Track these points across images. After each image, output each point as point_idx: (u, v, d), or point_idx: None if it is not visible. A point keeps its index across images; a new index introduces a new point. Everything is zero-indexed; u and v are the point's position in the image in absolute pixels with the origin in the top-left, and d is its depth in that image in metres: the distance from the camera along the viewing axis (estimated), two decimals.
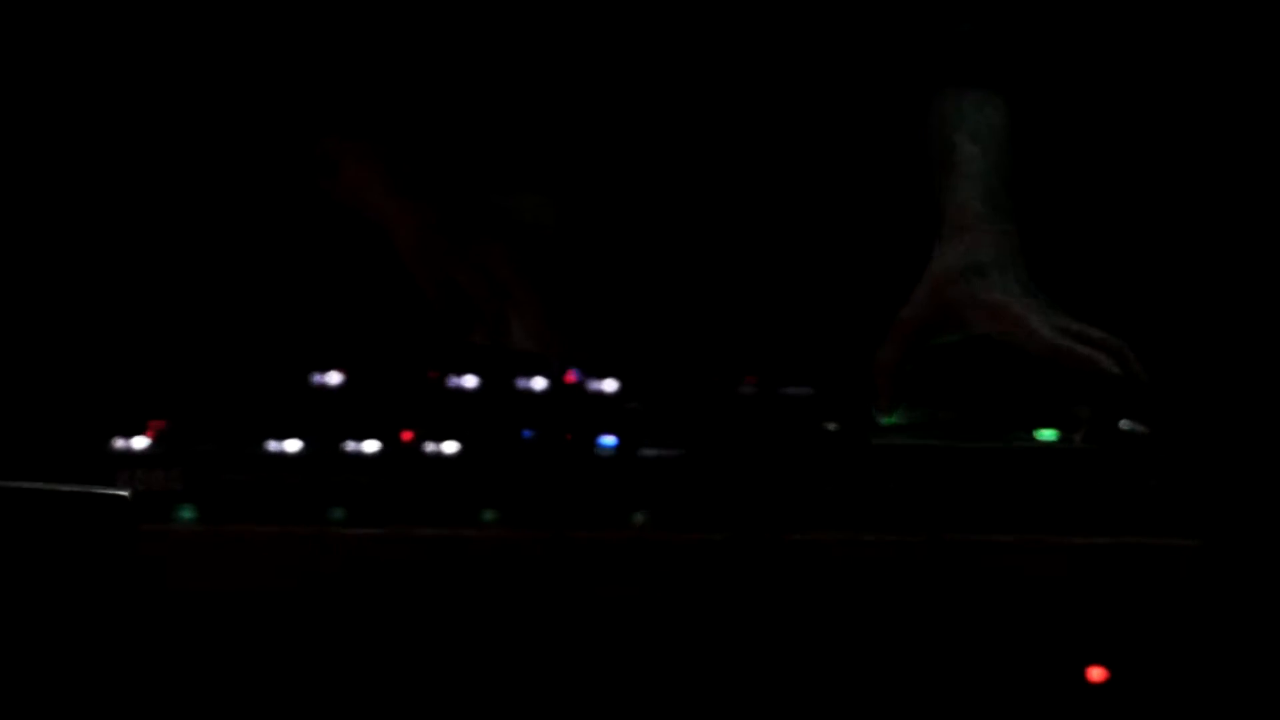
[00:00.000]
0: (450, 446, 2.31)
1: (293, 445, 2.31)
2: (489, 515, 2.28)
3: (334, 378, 2.46)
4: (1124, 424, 2.36)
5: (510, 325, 2.75)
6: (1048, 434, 2.35)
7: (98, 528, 1.51)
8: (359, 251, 2.89)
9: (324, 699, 2.40)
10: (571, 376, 2.50)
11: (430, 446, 2.31)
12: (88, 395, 2.43)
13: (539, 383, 2.48)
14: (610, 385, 2.46)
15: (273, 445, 2.31)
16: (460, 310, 2.77)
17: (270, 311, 2.84)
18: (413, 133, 2.93)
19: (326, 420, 2.36)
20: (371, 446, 2.31)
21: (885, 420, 2.48)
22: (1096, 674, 2.35)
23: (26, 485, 1.53)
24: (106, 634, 1.57)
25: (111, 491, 1.50)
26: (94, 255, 3.05)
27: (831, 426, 2.34)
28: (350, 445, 2.31)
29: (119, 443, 2.28)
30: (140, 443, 2.29)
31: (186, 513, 2.27)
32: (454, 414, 2.39)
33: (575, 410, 2.39)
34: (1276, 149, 3.49)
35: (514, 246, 2.80)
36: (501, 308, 2.76)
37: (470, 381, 2.47)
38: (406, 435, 2.33)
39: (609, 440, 2.32)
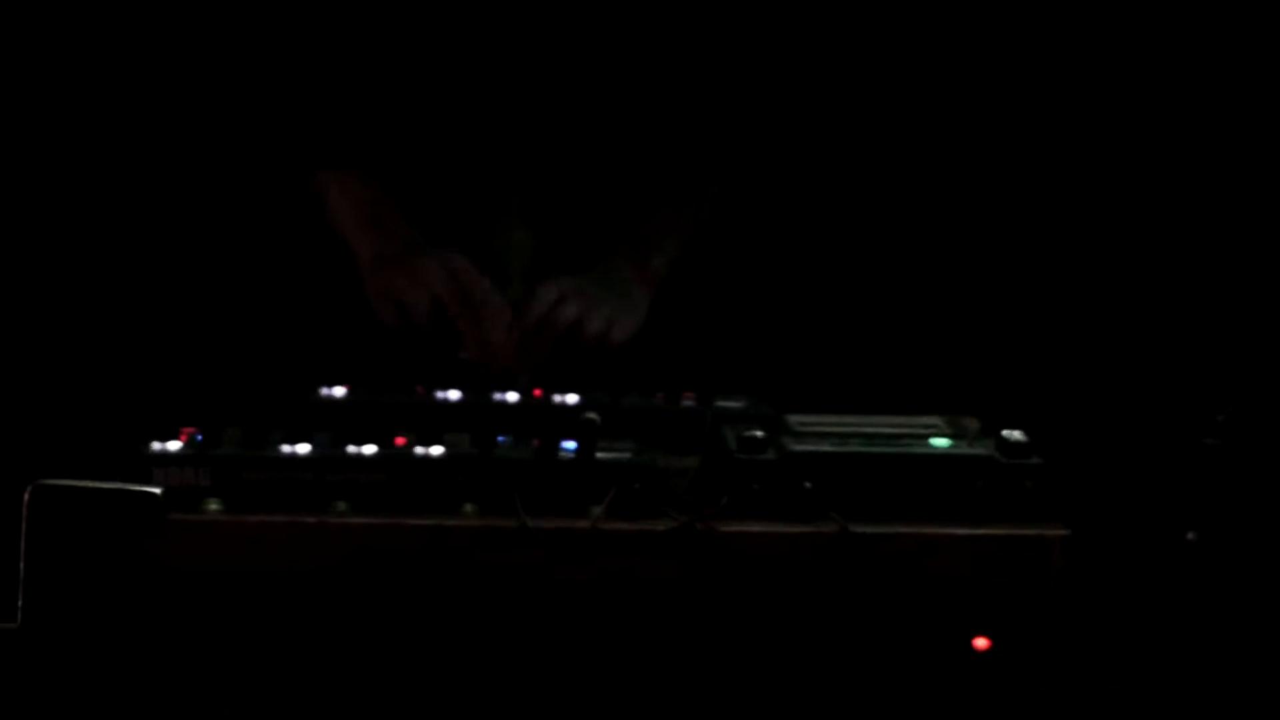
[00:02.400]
0: (436, 450, 2.32)
1: (303, 448, 2.31)
2: (469, 508, 2.29)
3: (339, 391, 2.47)
4: (1006, 433, 2.36)
5: (459, 337, 2.78)
6: (942, 442, 2.36)
7: (134, 518, 1.51)
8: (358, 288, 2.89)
9: (326, 661, 2.41)
10: (539, 391, 2.51)
11: (419, 450, 2.32)
12: (129, 406, 2.42)
13: (511, 396, 2.49)
14: (571, 399, 2.47)
15: (285, 448, 2.30)
16: (404, 324, 2.79)
17: (284, 335, 2.84)
18: (382, 176, 2.93)
19: (332, 427, 2.36)
20: (370, 449, 2.31)
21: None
22: (982, 643, 2.36)
23: (77, 483, 1.53)
24: (140, 607, 1.57)
25: (146, 489, 1.50)
26: (140, 292, 3.05)
27: (759, 434, 2.34)
28: (351, 448, 2.31)
29: (155, 446, 2.28)
30: (173, 446, 2.28)
31: (212, 505, 2.26)
32: (440, 422, 2.39)
33: (542, 419, 2.40)
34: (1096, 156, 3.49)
35: (453, 271, 2.80)
36: (439, 322, 2.78)
37: (454, 395, 2.48)
38: (400, 440, 2.33)
39: (570, 444, 2.32)
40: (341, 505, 2.30)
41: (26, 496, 1.49)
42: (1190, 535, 2.79)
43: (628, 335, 2.87)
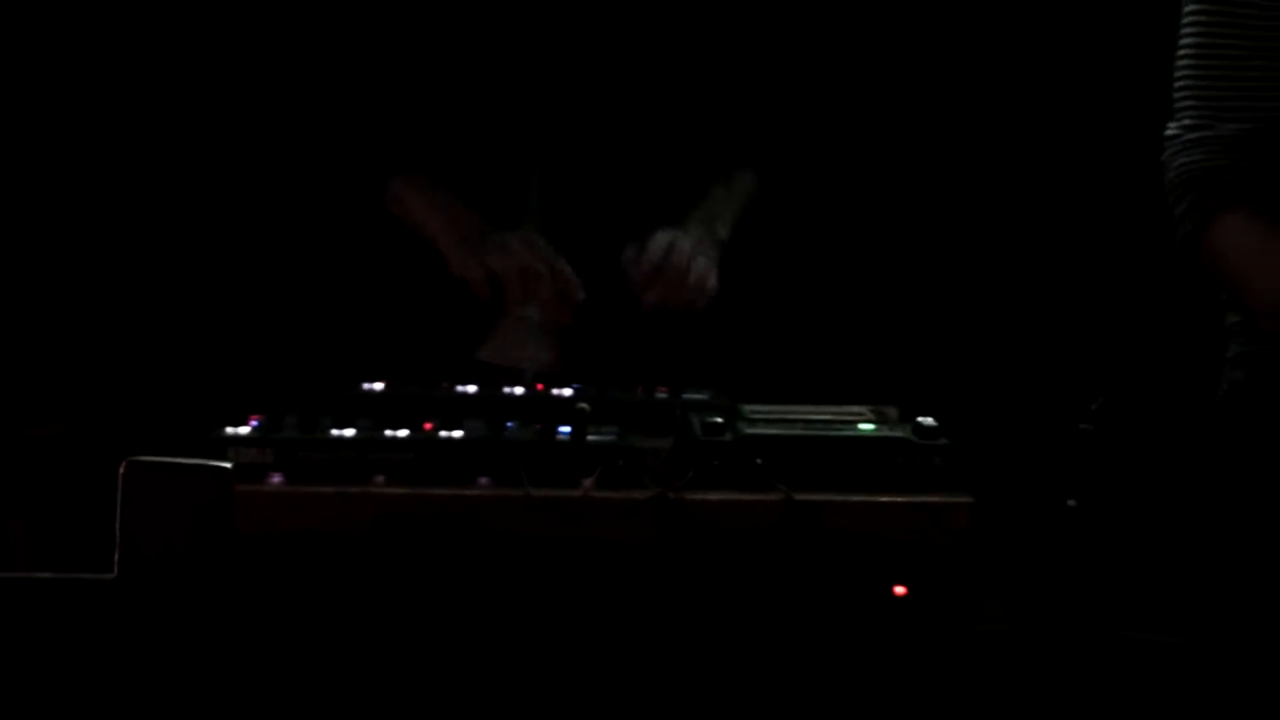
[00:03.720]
0: (457, 433, 2.32)
1: (348, 431, 2.31)
2: (483, 480, 2.29)
3: (378, 385, 2.46)
4: (920, 419, 2.36)
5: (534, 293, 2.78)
6: (867, 427, 2.36)
7: (209, 489, 1.52)
8: (400, 301, 2.88)
9: (365, 603, 2.41)
10: (540, 386, 2.51)
11: (443, 433, 2.32)
12: (207, 397, 2.43)
13: (518, 390, 2.49)
14: (566, 392, 2.47)
15: (334, 431, 2.31)
16: (489, 288, 2.78)
17: (334, 339, 2.83)
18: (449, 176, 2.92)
19: (371, 414, 2.37)
20: (402, 433, 2.31)
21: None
22: (900, 590, 2.37)
23: (163, 459, 1.55)
24: (213, 562, 1.57)
25: (219, 464, 1.51)
26: (219, 303, 3.04)
27: (719, 420, 2.34)
28: (388, 432, 2.32)
29: (228, 430, 2.29)
30: (243, 430, 2.30)
31: (274, 478, 2.28)
32: (459, 410, 2.40)
33: (542, 409, 2.40)
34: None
35: (533, 246, 2.81)
36: (526, 281, 2.78)
37: (471, 388, 2.48)
38: (427, 425, 2.33)
39: (565, 429, 2.33)
40: (379, 478, 2.30)
41: (122, 470, 1.50)
42: (1071, 502, 2.80)
43: (714, 288, 2.85)
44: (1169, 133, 2.70)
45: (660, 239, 2.83)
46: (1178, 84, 2.71)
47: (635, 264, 2.82)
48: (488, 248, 2.80)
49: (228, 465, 1.52)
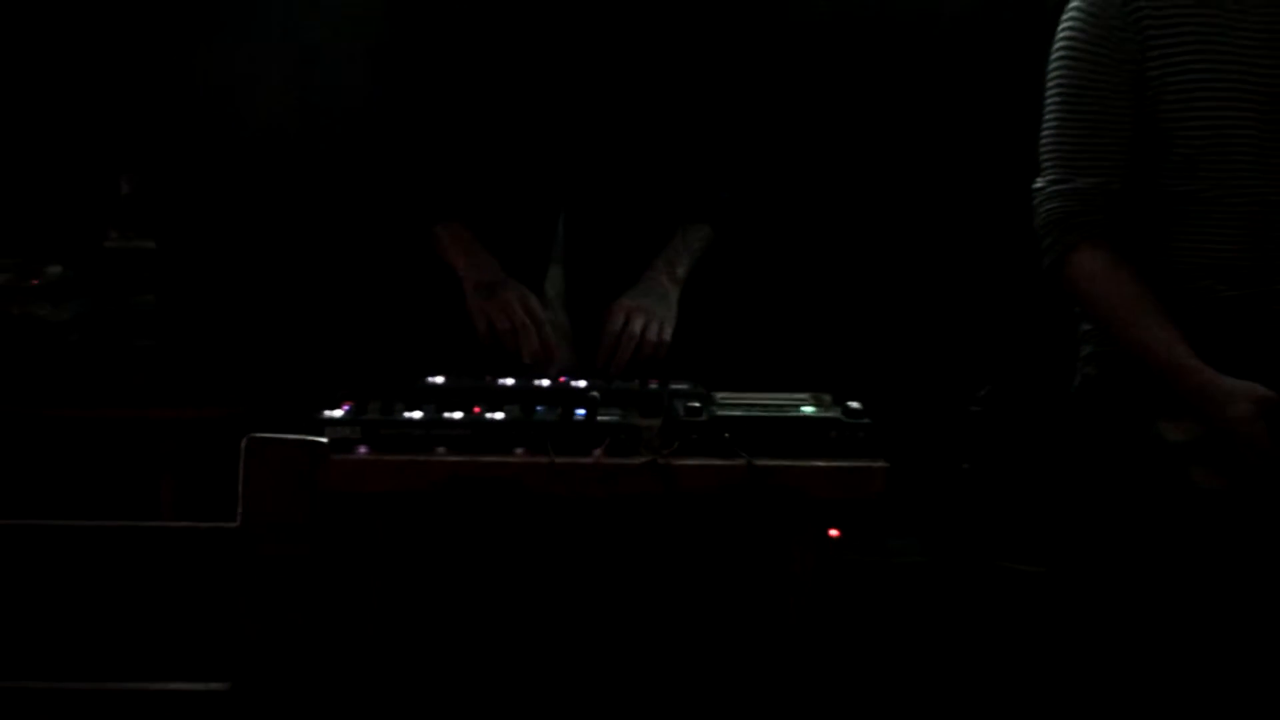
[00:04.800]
0: (499, 415, 2.30)
1: (416, 414, 2.30)
2: (518, 450, 2.28)
3: (439, 378, 2.45)
4: (848, 403, 2.35)
5: (521, 345, 2.71)
6: (809, 409, 2.35)
7: (311, 458, 1.51)
8: (454, 315, 2.82)
9: (430, 546, 2.41)
10: (562, 379, 2.50)
11: (489, 415, 2.30)
12: (311, 388, 2.41)
13: (545, 382, 2.48)
14: (581, 384, 2.46)
15: (406, 414, 2.30)
16: (497, 340, 2.72)
17: (406, 344, 2.79)
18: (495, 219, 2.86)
19: (434, 400, 2.36)
20: (458, 415, 2.30)
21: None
22: (834, 532, 2.37)
23: (274, 435, 1.53)
24: (313, 515, 1.57)
25: (318, 439, 1.50)
26: (322, 315, 3.01)
27: (697, 404, 2.32)
28: (447, 414, 2.30)
29: (326, 413, 2.27)
30: (337, 413, 2.28)
31: (361, 449, 2.26)
32: (501, 398, 2.39)
33: (563, 396, 2.39)
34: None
35: (526, 305, 2.74)
36: (520, 338, 2.71)
37: (509, 380, 2.46)
38: (476, 409, 2.32)
39: (581, 411, 2.31)
40: (441, 449, 2.28)
41: (243, 444, 1.49)
42: (965, 466, 2.79)
43: (670, 333, 2.78)
44: (1036, 185, 2.70)
45: (616, 313, 2.76)
46: (1042, 147, 2.71)
47: (602, 335, 2.76)
48: (492, 306, 2.74)
49: (324, 440, 1.51)
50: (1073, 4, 2.70)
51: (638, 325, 2.74)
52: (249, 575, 1.47)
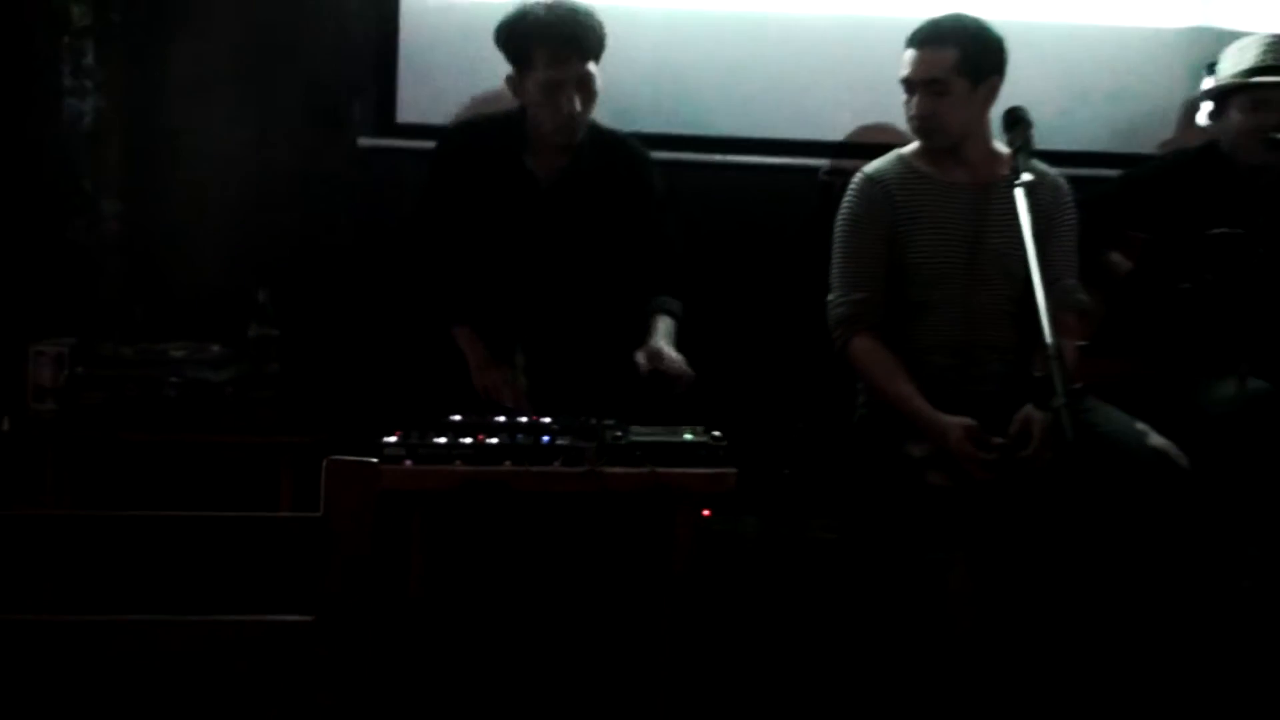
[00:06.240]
0: (494, 440, 2.26)
1: (442, 439, 2.26)
2: (506, 461, 2.24)
3: (457, 416, 2.35)
4: (713, 433, 2.29)
5: (503, 399, 2.59)
6: (689, 435, 2.30)
7: (370, 471, 1.47)
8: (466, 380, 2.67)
9: (451, 528, 2.38)
10: (534, 416, 2.39)
11: (488, 440, 2.26)
12: (375, 423, 2.36)
13: (523, 418, 2.38)
14: (546, 420, 2.34)
15: (436, 439, 2.26)
16: (490, 397, 2.60)
17: (437, 400, 2.61)
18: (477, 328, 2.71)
19: (455, 430, 2.29)
20: (468, 440, 2.25)
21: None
22: (706, 512, 2.32)
23: (349, 458, 1.48)
24: (371, 505, 1.50)
25: (373, 460, 1.46)
26: (386, 367, 2.91)
27: (619, 433, 2.27)
28: (461, 439, 2.25)
29: (385, 439, 2.25)
30: (391, 439, 2.25)
31: (406, 462, 2.23)
32: (496, 429, 2.30)
33: (534, 427, 2.31)
34: None
35: (509, 383, 2.62)
36: (501, 397, 2.59)
37: (500, 418, 2.37)
38: (480, 436, 2.26)
39: (545, 437, 2.27)
40: (458, 463, 2.25)
41: (324, 464, 1.45)
42: (786, 471, 2.75)
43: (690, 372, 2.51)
44: (829, 298, 2.69)
45: (665, 352, 2.51)
46: (832, 274, 2.69)
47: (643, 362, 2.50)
48: (485, 376, 2.62)
49: (375, 460, 1.45)
50: (850, 188, 2.71)
51: (669, 358, 2.51)
52: (328, 548, 1.42)
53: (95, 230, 3.14)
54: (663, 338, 2.56)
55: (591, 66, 2.58)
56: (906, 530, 2.46)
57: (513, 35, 2.59)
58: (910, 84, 2.63)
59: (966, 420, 2.44)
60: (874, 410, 2.67)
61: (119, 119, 3.15)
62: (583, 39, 2.55)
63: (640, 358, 2.48)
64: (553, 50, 2.54)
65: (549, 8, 2.57)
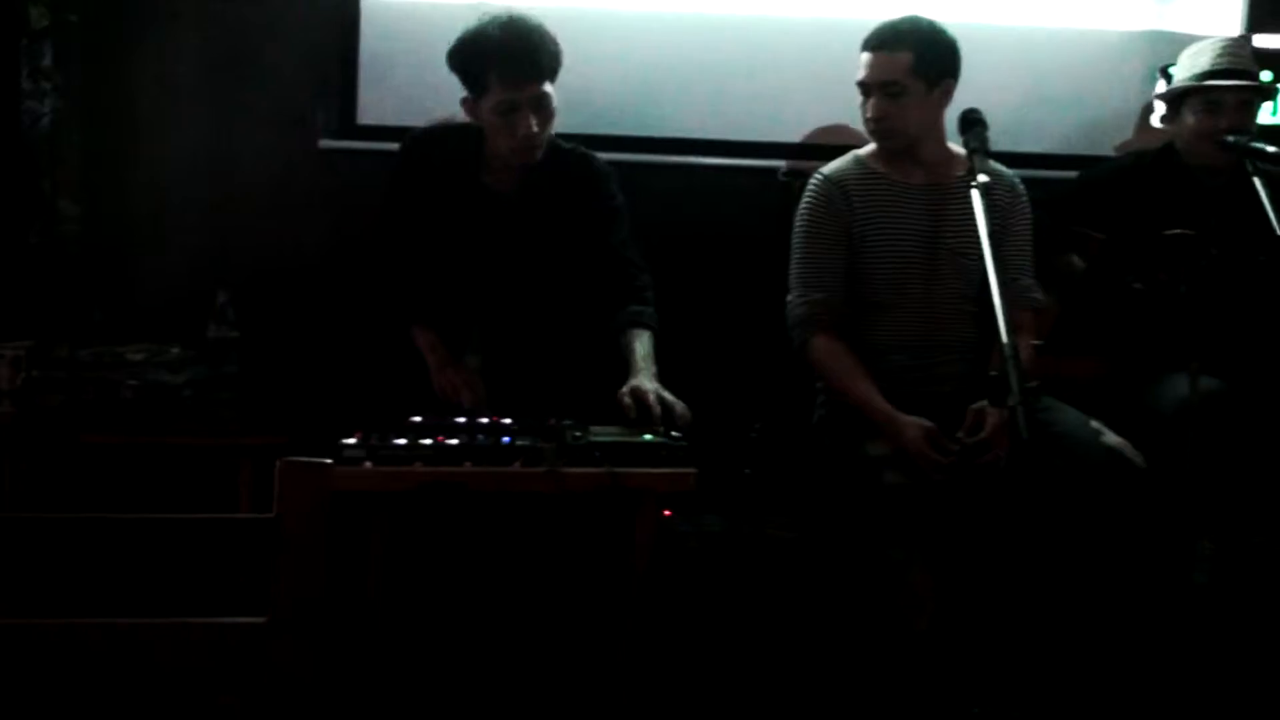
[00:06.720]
0: (454, 441, 2.25)
1: (402, 440, 2.24)
2: (467, 463, 2.22)
3: (417, 418, 2.34)
4: (673, 434, 2.31)
5: (461, 399, 2.57)
6: (649, 436, 2.30)
7: (321, 471, 1.46)
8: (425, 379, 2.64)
9: (411, 522, 2.36)
10: (495, 417, 2.38)
11: (448, 441, 2.25)
12: (335, 424, 2.35)
13: (484, 419, 2.37)
14: (507, 421, 2.35)
15: (396, 441, 2.24)
16: (448, 398, 2.58)
17: (399, 395, 2.57)
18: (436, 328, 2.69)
19: (413, 432, 2.27)
20: (428, 441, 2.24)
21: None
22: (667, 512, 2.32)
23: (303, 459, 1.48)
24: (325, 504, 1.50)
25: (325, 460, 1.45)
26: (343, 385, 2.89)
27: (578, 434, 2.27)
28: (422, 440, 2.24)
29: (345, 440, 2.23)
30: (351, 440, 2.24)
31: (366, 463, 2.22)
32: (455, 430, 2.30)
33: (494, 428, 2.31)
34: None
35: (467, 380, 2.60)
36: (460, 397, 2.57)
37: (461, 419, 2.37)
38: (440, 437, 2.26)
39: (505, 438, 2.27)
40: (418, 464, 2.23)
41: (277, 466, 1.45)
42: (746, 471, 2.73)
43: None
44: (788, 299, 2.70)
45: (649, 395, 2.42)
46: (791, 275, 2.71)
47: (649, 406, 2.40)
48: (444, 376, 2.60)
49: (328, 461, 1.44)
50: (808, 189, 2.73)
51: (666, 396, 2.44)
52: (281, 549, 1.42)
53: (53, 232, 3.11)
54: (645, 373, 2.47)
55: (548, 87, 2.55)
56: (865, 528, 2.47)
57: (467, 59, 2.56)
58: (866, 87, 2.64)
59: (924, 421, 2.45)
60: (833, 410, 2.68)
61: (77, 121, 3.12)
62: (538, 60, 2.52)
63: (625, 399, 2.40)
64: (508, 73, 2.51)
65: (502, 28, 2.53)
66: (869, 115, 2.65)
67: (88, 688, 1.38)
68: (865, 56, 2.63)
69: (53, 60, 3.10)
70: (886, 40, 2.60)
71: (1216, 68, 2.80)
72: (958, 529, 2.41)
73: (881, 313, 2.65)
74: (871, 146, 2.72)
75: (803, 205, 2.72)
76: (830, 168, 2.73)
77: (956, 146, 2.61)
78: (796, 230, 2.71)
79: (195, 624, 1.36)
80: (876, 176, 2.69)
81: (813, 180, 2.73)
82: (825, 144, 3.04)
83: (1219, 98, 2.79)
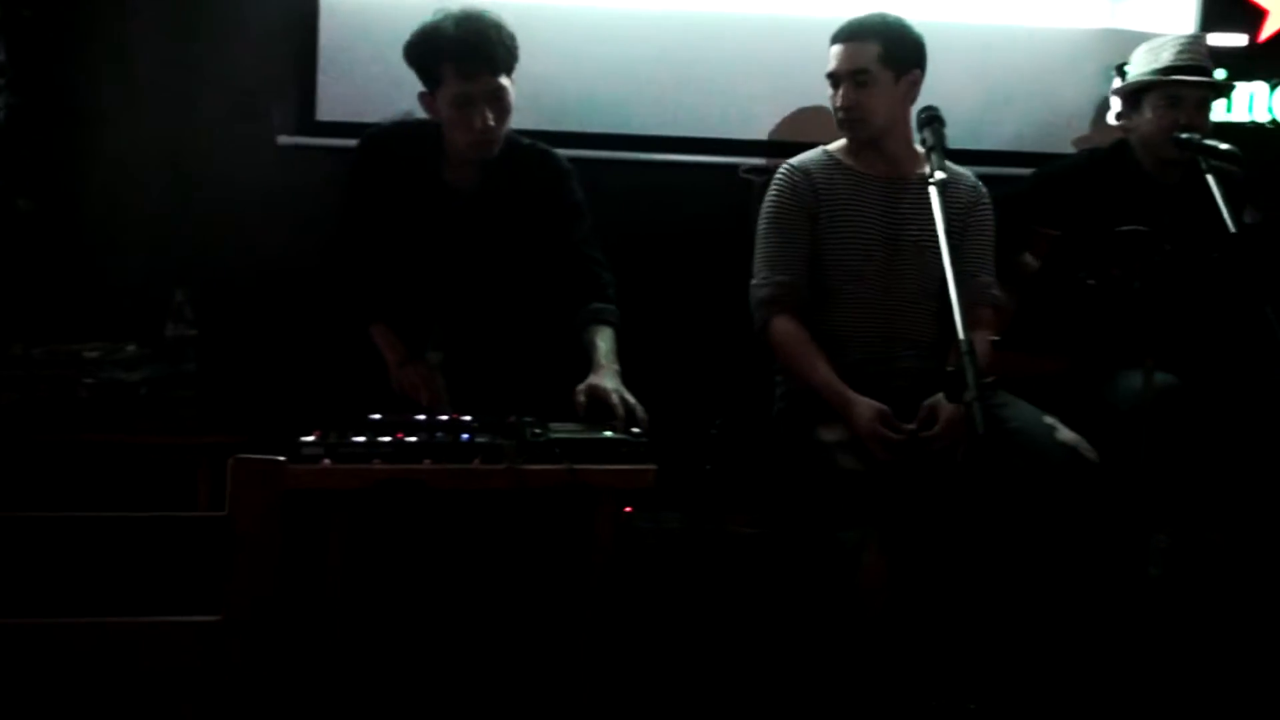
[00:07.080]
0: (414, 438, 2.24)
1: (360, 438, 2.23)
2: (427, 461, 2.21)
3: (376, 415, 2.32)
4: (633, 430, 2.30)
5: (423, 399, 2.57)
6: (608, 433, 2.30)
7: (274, 468, 1.45)
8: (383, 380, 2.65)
9: (370, 521, 2.31)
10: (455, 414, 2.37)
11: (407, 438, 2.24)
12: (293, 422, 2.34)
13: (444, 416, 2.34)
14: (467, 418, 2.33)
15: (355, 438, 2.23)
16: (407, 395, 2.58)
17: (360, 395, 2.56)
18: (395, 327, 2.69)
19: (373, 429, 2.26)
20: (387, 438, 2.23)
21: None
22: (628, 509, 2.32)
23: (257, 456, 1.47)
24: (278, 502, 1.49)
25: (278, 457, 1.44)
26: (303, 382, 2.88)
27: (538, 430, 2.27)
28: (380, 437, 2.23)
29: (303, 438, 2.22)
30: (310, 438, 2.22)
31: (325, 461, 2.21)
32: (415, 428, 2.28)
33: (453, 425, 2.29)
34: None
35: (426, 377, 2.60)
36: (419, 394, 2.57)
37: (420, 416, 2.35)
38: (399, 435, 2.24)
39: (465, 435, 2.26)
40: (376, 461, 2.22)
41: (229, 464, 1.44)
42: (707, 467, 2.75)
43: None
44: (752, 282, 2.72)
45: (610, 394, 2.42)
46: (755, 258, 2.72)
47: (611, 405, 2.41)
48: (403, 374, 2.59)
49: (281, 458, 1.43)
50: (776, 177, 2.75)
51: (626, 396, 2.43)
52: (234, 547, 1.41)
53: (7, 229, 3.08)
54: (607, 370, 2.47)
55: (504, 80, 2.55)
56: (821, 512, 2.47)
57: (422, 53, 2.55)
58: (835, 77, 2.68)
59: (879, 404, 2.47)
60: (792, 403, 2.69)
61: (32, 117, 3.09)
62: (492, 53, 2.51)
63: (580, 397, 2.40)
64: (462, 66, 2.50)
65: (457, 23, 2.52)
66: (838, 104, 2.69)
67: (37, 687, 1.37)
68: (835, 49, 2.68)
69: (6, 55, 3.07)
70: (855, 32, 2.66)
71: (1179, 63, 2.82)
72: (912, 513, 2.40)
73: (842, 304, 2.67)
74: (839, 142, 2.77)
75: (770, 193, 2.76)
76: (797, 159, 2.78)
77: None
78: (762, 216, 2.74)
79: (148, 623, 1.35)
80: (843, 168, 2.73)
81: (780, 169, 2.77)
82: (788, 140, 3.06)
83: (1179, 93, 2.82)
